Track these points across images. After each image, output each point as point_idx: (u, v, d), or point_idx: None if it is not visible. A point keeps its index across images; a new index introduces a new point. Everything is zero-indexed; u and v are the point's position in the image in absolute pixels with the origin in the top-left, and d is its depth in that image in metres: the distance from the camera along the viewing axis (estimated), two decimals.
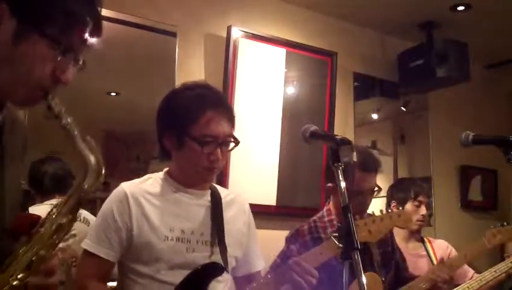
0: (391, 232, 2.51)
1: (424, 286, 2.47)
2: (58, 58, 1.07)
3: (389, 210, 2.11)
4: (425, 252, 3.01)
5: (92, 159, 1.09)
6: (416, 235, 3.03)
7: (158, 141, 1.81)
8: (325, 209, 2.40)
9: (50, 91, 1.09)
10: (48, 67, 1.06)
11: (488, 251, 2.64)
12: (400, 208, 2.92)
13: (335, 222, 2.31)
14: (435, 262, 2.90)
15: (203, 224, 1.75)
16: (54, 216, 1.06)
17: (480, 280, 2.77)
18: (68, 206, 1.07)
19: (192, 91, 1.78)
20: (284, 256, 2.30)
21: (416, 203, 2.93)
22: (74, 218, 1.08)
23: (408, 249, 2.95)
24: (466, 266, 2.94)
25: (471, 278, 2.89)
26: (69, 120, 1.10)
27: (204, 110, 1.71)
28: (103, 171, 1.10)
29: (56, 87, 1.10)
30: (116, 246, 1.69)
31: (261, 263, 1.95)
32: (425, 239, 3.08)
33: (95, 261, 1.70)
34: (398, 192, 3.01)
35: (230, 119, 1.78)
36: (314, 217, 2.39)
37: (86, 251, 1.72)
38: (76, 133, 1.11)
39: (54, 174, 2.58)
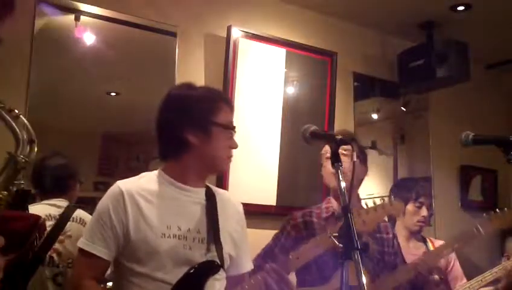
0: (395, 237, 2.50)
1: (410, 274, 2.42)
2: None
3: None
4: None
5: (22, 129, 1.08)
6: (417, 235, 3.03)
7: (175, 140, 1.77)
8: (326, 199, 2.43)
9: None
10: None
11: (477, 240, 2.56)
12: None
13: (331, 209, 2.32)
14: None
15: (198, 221, 1.75)
16: None
17: (481, 280, 2.78)
18: (4, 178, 1.06)
19: (200, 87, 1.88)
20: (264, 255, 2.32)
21: (417, 204, 2.92)
22: (11, 192, 1.07)
23: (409, 248, 2.95)
24: (461, 273, 2.95)
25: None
26: None
27: (220, 100, 1.82)
28: (34, 138, 1.10)
29: None
30: (112, 244, 1.69)
31: (249, 265, 1.95)
32: (427, 239, 3.08)
33: (90, 259, 1.69)
34: (399, 192, 2.99)
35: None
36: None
37: (81, 250, 1.72)
38: (1, 105, 1.08)
39: (53, 173, 2.52)
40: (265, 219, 3.25)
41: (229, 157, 1.83)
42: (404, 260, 2.54)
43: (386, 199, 2.24)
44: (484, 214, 2.55)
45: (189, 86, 1.85)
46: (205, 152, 1.76)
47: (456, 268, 3.00)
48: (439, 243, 3.10)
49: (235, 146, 1.81)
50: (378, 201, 2.15)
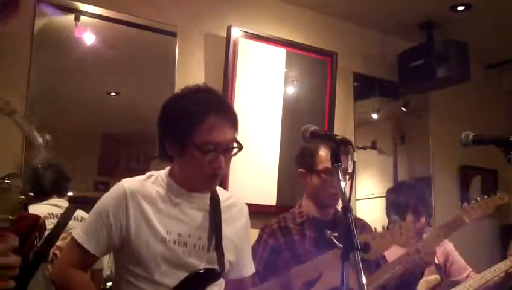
0: None
1: (397, 269, 2.37)
2: None
3: (391, 222, 2.08)
4: None
5: (38, 136, 1.12)
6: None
7: (159, 145, 1.78)
8: (298, 203, 2.40)
9: None
10: None
11: (461, 227, 2.50)
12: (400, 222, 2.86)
13: (305, 214, 2.31)
14: (435, 261, 2.89)
15: (200, 228, 1.74)
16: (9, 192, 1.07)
17: (480, 278, 2.77)
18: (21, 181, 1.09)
19: (194, 96, 1.73)
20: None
21: (415, 218, 2.86)
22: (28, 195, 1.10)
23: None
24: (464, 264, 2.94)
25: (468, 275, 2.88)
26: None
27: (206, 116, 1.66)
28: (45, 143, 1.12)
29: None
30: (104, 241, 1.69)
31: (251, 268, 1.93)
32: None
33: (79, 251, 1.70)
34: (398, 200, 2.93)
35: (234, 124, 1.74)
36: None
37: (73, 239, 1.73)
38: (16, 111, 1.11)
39: (52, 178, 2.67)
40: (265, 219, 3.24)
41: (212, 175, 1.70)
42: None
43: (396, 225, 2.15)
44: (465, 204, 2.55)
45: (186, 93, 1.75)
46: (183, 166, 1.73)
47: (457, 260, 2.97)
48: None
49: (218, 166, 1.68)
50: (386, 224, 2.10)
